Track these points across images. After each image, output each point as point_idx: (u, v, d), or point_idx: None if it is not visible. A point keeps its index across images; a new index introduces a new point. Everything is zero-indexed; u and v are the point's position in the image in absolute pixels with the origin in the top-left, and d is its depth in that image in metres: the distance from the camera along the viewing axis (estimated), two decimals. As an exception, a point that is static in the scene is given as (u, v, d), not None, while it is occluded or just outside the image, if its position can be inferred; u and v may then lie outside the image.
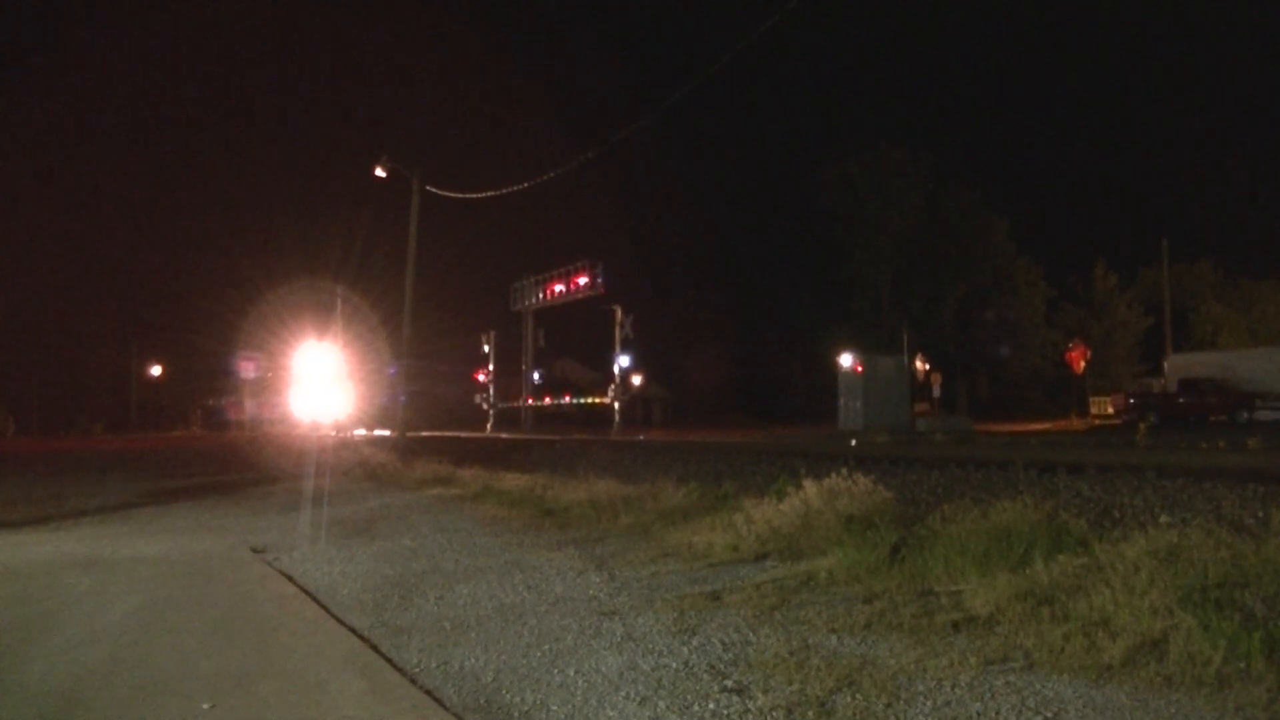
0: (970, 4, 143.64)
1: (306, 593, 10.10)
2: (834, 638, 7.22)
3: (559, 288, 62.31)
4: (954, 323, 76.03)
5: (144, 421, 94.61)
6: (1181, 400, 48.95)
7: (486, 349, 70.32)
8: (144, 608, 9.47)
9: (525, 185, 36.37)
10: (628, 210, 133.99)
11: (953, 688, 5.98)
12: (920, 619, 7.45)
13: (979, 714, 5.55)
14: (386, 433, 40.43)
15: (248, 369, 69.15)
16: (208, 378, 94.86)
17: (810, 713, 5.65)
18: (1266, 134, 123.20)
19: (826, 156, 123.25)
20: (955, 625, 7.23)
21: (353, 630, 8.25)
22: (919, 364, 61.84)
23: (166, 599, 9.96)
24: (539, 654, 7.26)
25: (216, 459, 38.11)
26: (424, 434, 44.52)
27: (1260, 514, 9.30)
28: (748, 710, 5.78)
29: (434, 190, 34.88)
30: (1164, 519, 9.19)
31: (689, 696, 6.07)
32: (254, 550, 13.24)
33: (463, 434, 48.94)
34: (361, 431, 48.58)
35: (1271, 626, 6.09)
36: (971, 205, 76.52)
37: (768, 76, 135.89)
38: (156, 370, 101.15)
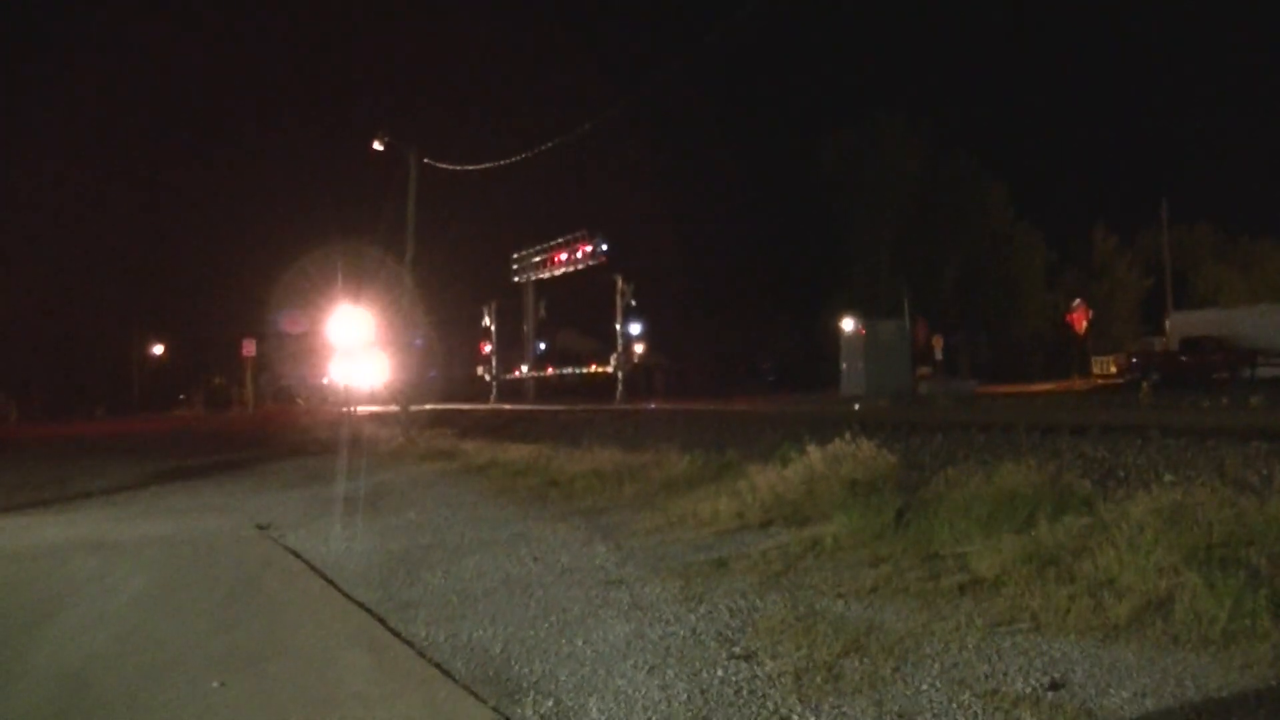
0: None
1: (313, 569, 10.13)
2: (840, 602, 7.23)
3: (561, 257, 62.17)
4: (955, 286, 75.86)
5: (147, 402, 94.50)
6: (1183, 359, 48.76)
7: (488, 321, 70.19)
8: (151, 588, 9.50)
9: (524, 156, 36.14)
10: (628, 179, 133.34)
11: (960, 650, 5.99)
12: (926, 582, 7.46)
13: (986, 676, 5.55)
14: (393, 408, 40.38)
15: (249, 348, 68.99)
16: (211, 356, 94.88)
17: (818, 677, 5.66)
18: (1265, 93, 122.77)
19: (825, 124, 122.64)
20: (961, 588, 7.23)
21: (360, 605, 8.27)
22: (920, 328, 61.76)
23: (173, 579, 9.99)
24: (546, 625, 7.28)
25: (220, 438, 38.14)
26: (427, 407, 44.49)
27: (1264, 472, 9.29)
28: (756, 676, 5.79)
29: (432, 163, 34.81)
30: (1168, 478, 9.21)
31: (697, 664, 6.08)
32: (259, 528, 13.28)
33: (466, 406, 48.92)
34: (369, 408, 48.52)
35: (1276, 584, 6.10)
36: (970, 170, 76.21)
37: (766, 44, 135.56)
38: (159, 350, 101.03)
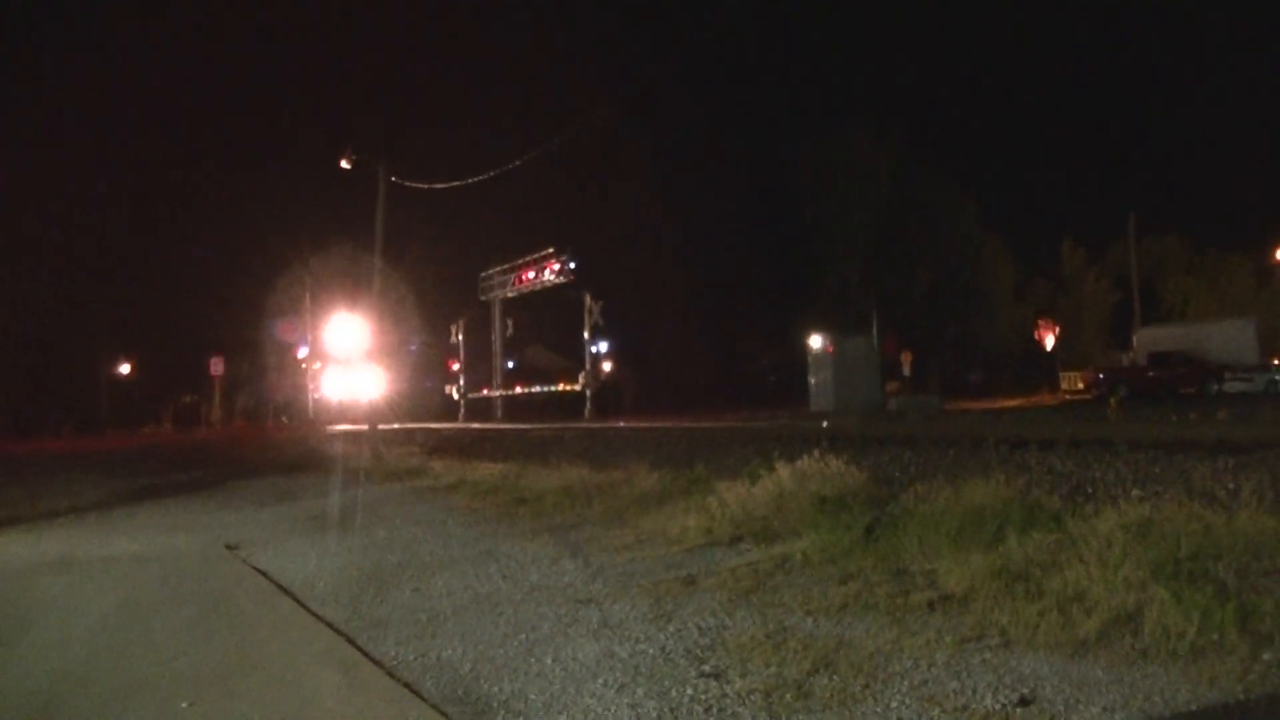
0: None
1: (282, 588, 10.09)
2: (810, 619, 7.24)
3: (528, 275, 62.28)
4: (924, 301, 76.13)
5: (115, 420, 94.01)
6: (1151, 374, 49.15)
7: (457, 338, 70.21)
8: (119, 607, 9.45)
9: (492, 174, 36.26)
10: (596, 194, 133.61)
11: (929, 666, 6.00)
12: (896, 599, 7.48)
13: (956, 692, 5.57)
14: (363, 426, 40.33)
15: (217, 366, 68.71)
16: (181, 374, 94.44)
17: (788, 695, 5.66)
18: (1233, 107, 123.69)
19: (793, 137, 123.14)
20: (930, 604, 7.25)
21: (329, 624, 8.25)
22: (889, 343, 62.01)
23: (142, 598, 9.94)
24: (516, 643, 7.27)
25: (189, 456, 37.94)
26: (396, 426, 44.44)
27: (1231, 485, 9.33)
28: (725, 694, 5.79)
29: (399, 181, 34.81)
30: (1136, 493, 9.25)
31: (667, 682, 6.08)
32: (228, 547, 13.21)
33: (435, 425, 48.87)
34: (351, 426, 48.45)
35: (1244, 598, 6.13)
36: (939, 184, 76.55)
37: (736, 59, 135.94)
38: (126, 369, 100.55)
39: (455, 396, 69.66)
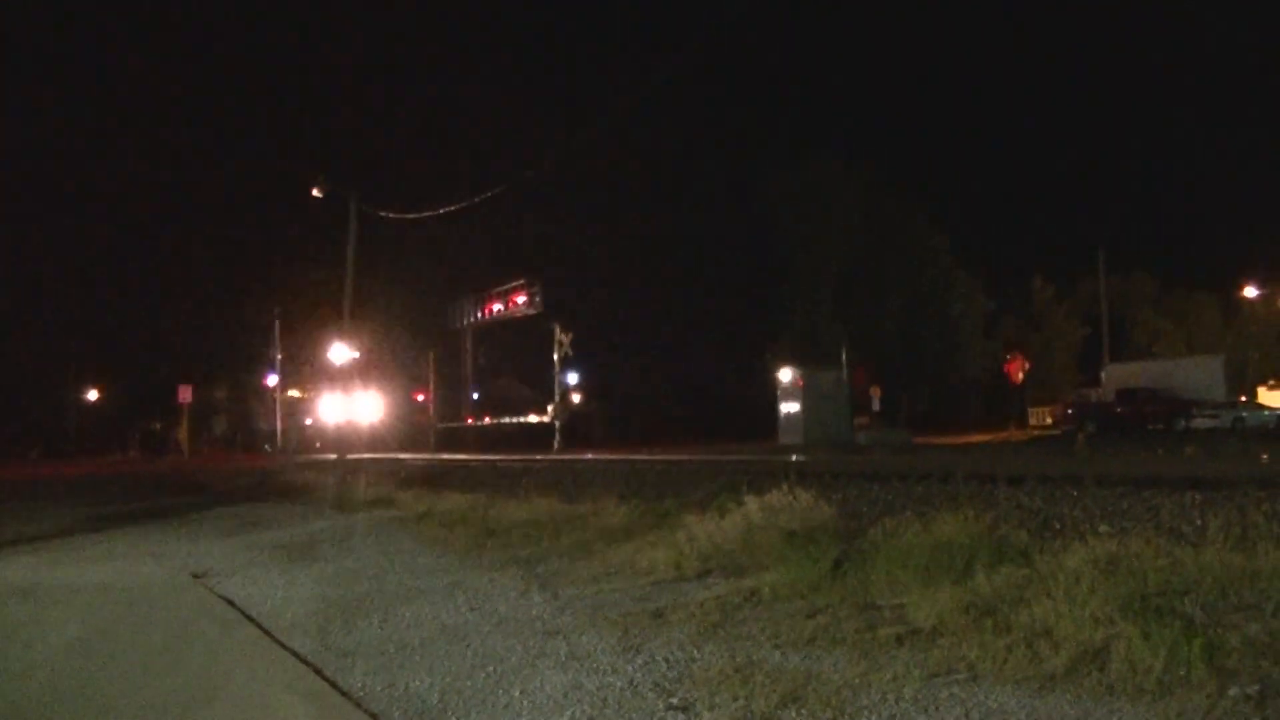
0: (905, 18, 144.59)
1: (249, 617, 10.03)
2: (778, 653, 7.23)
3: (497, 306, 62.37)
4: (894, 335, 76.20)
5: (83, 446, 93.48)
6: (1119, 410, 49.36)
7: (428, 369, 70.10)
8: (84, 635, 9.39)
9: (463, 205, 36.18)
10: (568, 226, 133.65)
11: (897, 701, 5.99)
12: (864, 633, 7.47)
13: (924, 726, 5.57)
14: (330, 456, 40.13)
15: (185, 394, 68.28)
16: (150, 402, 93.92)
17: (756, 729, 5.65)
18: (1201, 147, 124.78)
19: (765, 168, 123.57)
20: (899, 638, 7.25)
21: (296, 654, 8.20)
22: (859, 376, 62.08)
23: (107, 626, 9.88)
24: (484, 675, 7.24)
25: (157, 484, 37.73)
26: (366, 456, 44.29)
27: (1198, 522, 9.37)
28: (693, 728, 5.78)
29: (371, 211, 34.74)
30: (1104, 529, 9.27)
31: (634, 715, 6.06)
32: (195, 575, 13.14)
33: (404, 455, 48.68)
34: (302, 456, 48.25)
35: (1211, 633, 6.15)
36: (911, 217, 76.67)
37: (706, 89, 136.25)
38: (94, 394, 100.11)
39: (425, 426, 69.45)
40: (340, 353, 36.01)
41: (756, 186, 79.84)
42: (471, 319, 65.40)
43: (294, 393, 71.94)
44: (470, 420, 68.52)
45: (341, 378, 37.88)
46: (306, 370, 70.03)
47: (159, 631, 9.50)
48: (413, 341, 73.49)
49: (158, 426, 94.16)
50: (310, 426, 66.58)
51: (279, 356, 67.90)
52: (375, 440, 57.01)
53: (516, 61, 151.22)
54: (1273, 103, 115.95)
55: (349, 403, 41.37)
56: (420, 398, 72.08)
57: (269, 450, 70.59)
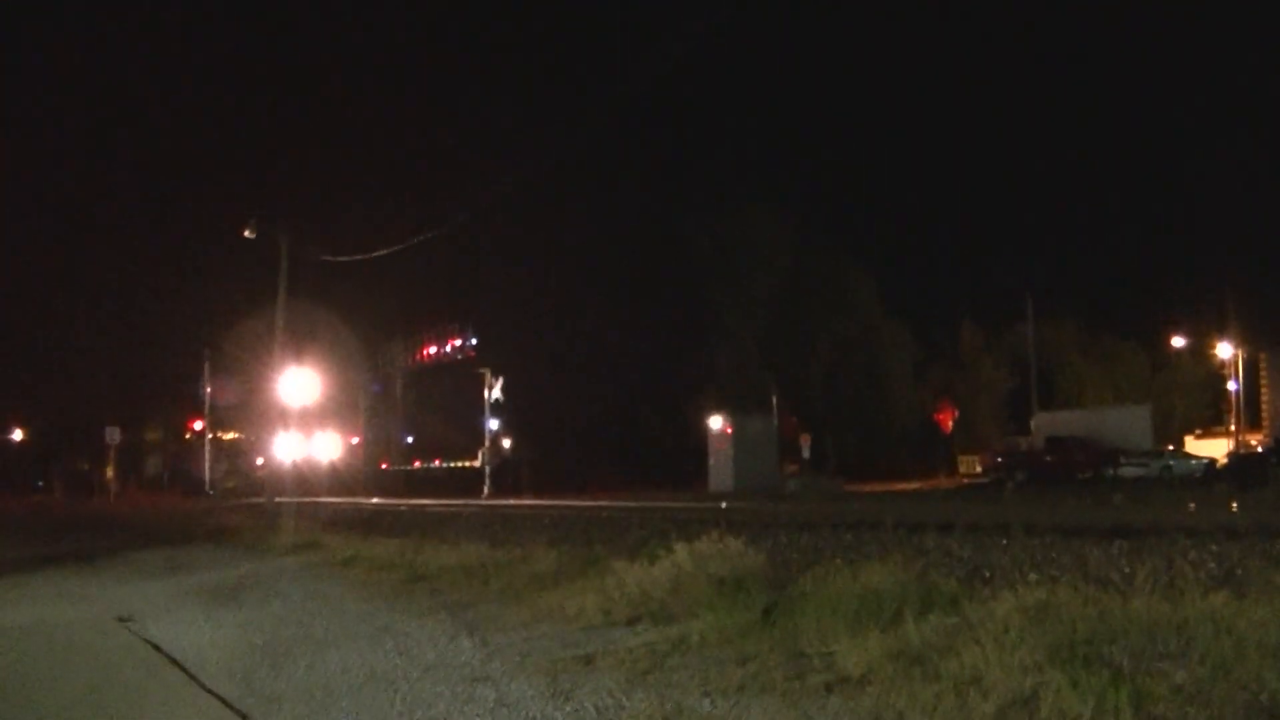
0: (833, 66, 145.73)
1: (174, 662, 9.92)
2: (707, 700, 7.18)
3: (430, 350, 62.34)
4: (822, 382, 76.62)
5: (5, 486, 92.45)
6: (1048, 458, 49.82)
7: (358, 412, 69.88)
8: (3, 680, 9.24)
9: (395, 249, 36.26)
10: (497, 272, 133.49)
11: (826, 750, 5.97)
12: (793, 680, 7.44)
13: (852, 776, 5.54)
14: (258, 499, 39.86)
15: (111, 435, 67.61)
16: (78, 443, 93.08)
17: (684, 777, 5.61)
18: (1127, 194, 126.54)
19: (693, 214, 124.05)
20: (828, 686, 7.22)
21: (222, 699, 8.11)
22: (788, 424, 62.34)
23: (28, 670, 9.74)
24: (410, 722, 7.16)
25: (82, 525, 37.33)
26: (295, 500, 44.03)
27: (1126, 569, 9.42)
28: (621, 776, 5.73)
29: (303, 250, 34.65)
30: (1033, 576, 9.30)
31: (562, 764, 6.01)
32: (120, 619, 12.98)
33: (334, 499, 48.47)
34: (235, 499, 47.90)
35: (1139, 681, 6.15)
36: (838, 263, 77.15)
37: (634, 134, 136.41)
38: (19, 435, 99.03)
39: (354, 470, 69.12)
40: (289, 394, 35.67)
41: (685, 232, 79.93)
42: (404, 362, 65.32)
43: (231, 434, 71.54)
44: (401, 464, 68.23)
45: (280, 420, 37.55)
46: (239, 413, 69.64)
47: (81, 675, 9.37)
48: (346, 385, 73.19)
49: (86, 467, 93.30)
50: (262, 467, 66.20)
51: (208, 399, 67.52)
52: (306, 483, 56.77)
53: (455, 101, 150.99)
54: (1198, 157, 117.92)
55: (301, 444, 41.15)
56: (354, 440, 71.79)
57: (211, 493, 70.11)
